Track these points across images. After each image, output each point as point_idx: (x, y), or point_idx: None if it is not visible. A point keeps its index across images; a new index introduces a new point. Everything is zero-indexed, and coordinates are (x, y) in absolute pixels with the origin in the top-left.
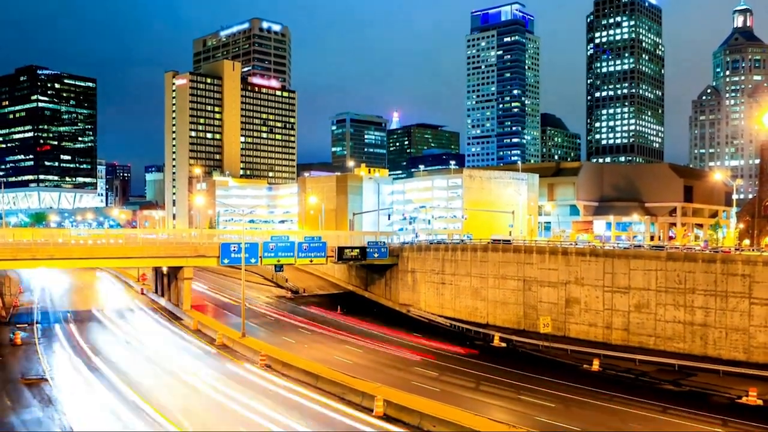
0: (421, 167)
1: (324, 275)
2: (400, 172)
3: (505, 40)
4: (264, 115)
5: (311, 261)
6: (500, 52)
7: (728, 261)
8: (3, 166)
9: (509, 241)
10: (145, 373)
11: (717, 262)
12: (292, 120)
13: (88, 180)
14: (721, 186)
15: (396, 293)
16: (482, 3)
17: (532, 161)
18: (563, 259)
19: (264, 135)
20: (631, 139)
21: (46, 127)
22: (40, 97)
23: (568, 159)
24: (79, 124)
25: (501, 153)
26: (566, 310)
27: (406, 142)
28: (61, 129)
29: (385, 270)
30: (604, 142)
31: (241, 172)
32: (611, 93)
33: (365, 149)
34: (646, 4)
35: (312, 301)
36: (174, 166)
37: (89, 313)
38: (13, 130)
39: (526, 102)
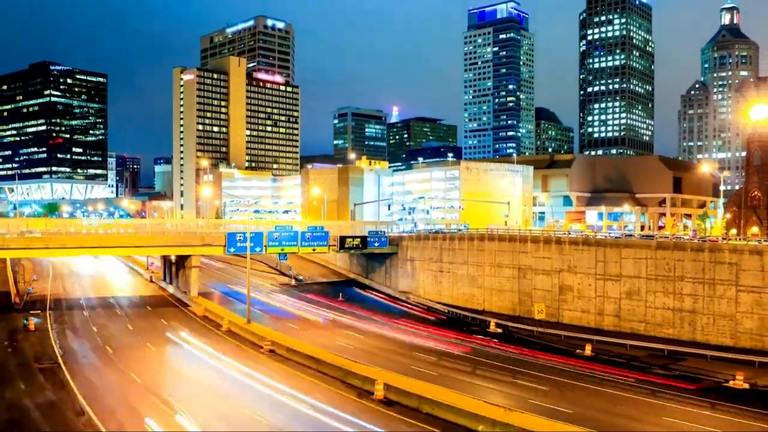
0: (420, 159)
1: (326, 263)
2: (399, 164)
3: (501, 36)
4: (268, 110)
5: (314, 250)
6: (496, 49)
7: (716, 250)
8: (17, 159)
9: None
10: (153, 358)
11: (705, 251)
12: (295, 114)
13: (99, 172)
14: (708, 177)
15: (396, 281)
16: (479, 1)
17: (526, 154)
18: (557, 248)
19: (268, 128)
20: (622, 133)
21: (58, 120)
22: (53, 92)
23: (562, 151)
24: (90, 117)
25: (497, 146)
26: (560, 297)
27: (406, 136)
28: (73, 123)
29: (385, 258)
30: (596, 135)
31: (247, 164)
32: (603, 88)
33: (366, 142)
34: (637, 3)
35: (315, 288)
36: (182, 158)
37: (100, 300)
38: (26, 123)
39: (521, 96)
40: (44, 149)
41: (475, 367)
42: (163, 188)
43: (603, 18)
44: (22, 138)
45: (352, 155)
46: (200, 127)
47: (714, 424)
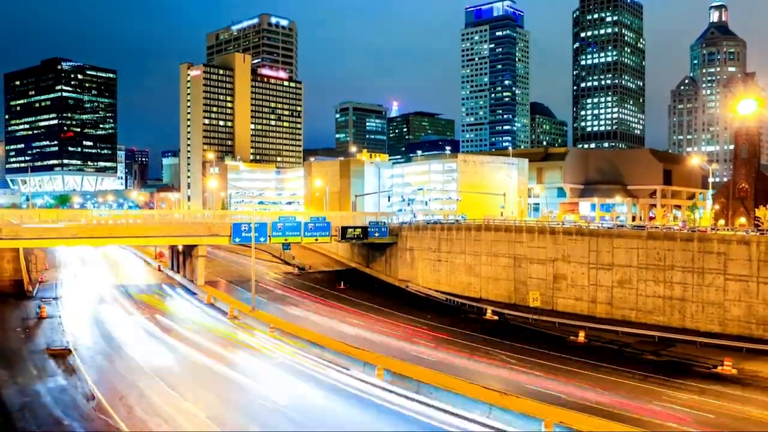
0: (419, 152)
1: (328, 253)
2: (399, 157)
3: (497, 34)
4: (272, 104)
5: (316, 240)
6: (492, 46)
7: (705, 240)
8: (30, 152)
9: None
10: (162, 345)
11: (694, 241)
12: (298, 108)
13: (108, 164)
14: (698, 170)
15: (395, 270)
16: None
17: (522, 147)
18: (551, 238)
19: (272, 122)
20: (614, 126)
21: (69, 115)
22: (64, 87)
23: (556, 145)
24: (100, 112)
25: (493, 139)
26: (554, 286)
27: (405, 129)
28: (84, 117)
29: (385, 248)
30: (589, 129)
31: (251, 156)
32: (596, 83)
33: (367, 136)
34: (628, 1)
35: (317, 277)
36: (189, 151)
37: (110, 288)
38: (39, 118)
39: (517, 92)
40: (56, 142)
41: (472, 352)
42: (171, 180)
43: (596, 16)
44: (35, 132)
45: (353, 148)
46: (206, 121)
47: (703, 408)
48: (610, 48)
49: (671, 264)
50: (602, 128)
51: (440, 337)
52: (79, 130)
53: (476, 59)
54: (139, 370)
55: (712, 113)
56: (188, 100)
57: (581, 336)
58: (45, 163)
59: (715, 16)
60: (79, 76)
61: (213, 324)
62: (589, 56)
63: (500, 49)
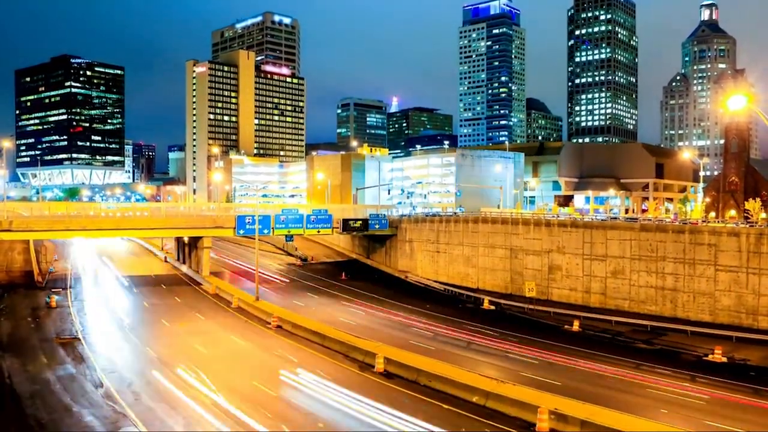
0: (418, 147)
1: (330, 244)
2: (398, 151)
3: (494, 31)
4: (276, 100)
5: (318, 231)
6: (489, 43)
7: (696, 232)
8: (40, 146)
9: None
10: (168, 334)
11: (686, 233)
12: (301, 104)
13: (116, 158)
14: (689, 164)
15: (395, 261)
16: None
17: (518, 141)
18: (546, 230)
19: (276, 118)
20: (608, 122)
21: (78, 110)
22: (74, 84)
23: (551, 139)
24: (108, 107)
25: (490, 134)
26: (549, 276)
27: (404, 124)
28: (93, 112)
29: (386, 240)
30: (583, 124)
31: (255, 151)
32: (590, 79)
33: (367, 130)
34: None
35: (319, 267)
36: (194, 145)
37: (117, 278)
38: (48, 113)
39: (513, 88)
40: (65, 137)
41: (469, 342)
42: (177, 174)
43: (590, 14)
44: (45, 127)
45: (354, 143)
46: (211, 116)
47: (695, 395)
48: (603, 45)
49: (663, 255)
50: (596, 123)
51: (439, 327)
52: (87, 125)
53: (473, 56)
54: (146, 358)
55: (703, 109)
56: (194, 96)
57: (576, 325)
58: (54, 157)
59: (705, 14)
60: (88, 73)
61: (217, 314)
62: (584, 53)
63: (497, 47)
